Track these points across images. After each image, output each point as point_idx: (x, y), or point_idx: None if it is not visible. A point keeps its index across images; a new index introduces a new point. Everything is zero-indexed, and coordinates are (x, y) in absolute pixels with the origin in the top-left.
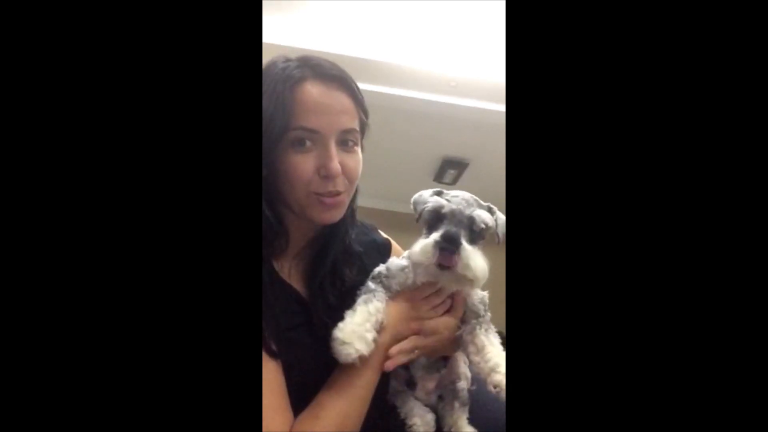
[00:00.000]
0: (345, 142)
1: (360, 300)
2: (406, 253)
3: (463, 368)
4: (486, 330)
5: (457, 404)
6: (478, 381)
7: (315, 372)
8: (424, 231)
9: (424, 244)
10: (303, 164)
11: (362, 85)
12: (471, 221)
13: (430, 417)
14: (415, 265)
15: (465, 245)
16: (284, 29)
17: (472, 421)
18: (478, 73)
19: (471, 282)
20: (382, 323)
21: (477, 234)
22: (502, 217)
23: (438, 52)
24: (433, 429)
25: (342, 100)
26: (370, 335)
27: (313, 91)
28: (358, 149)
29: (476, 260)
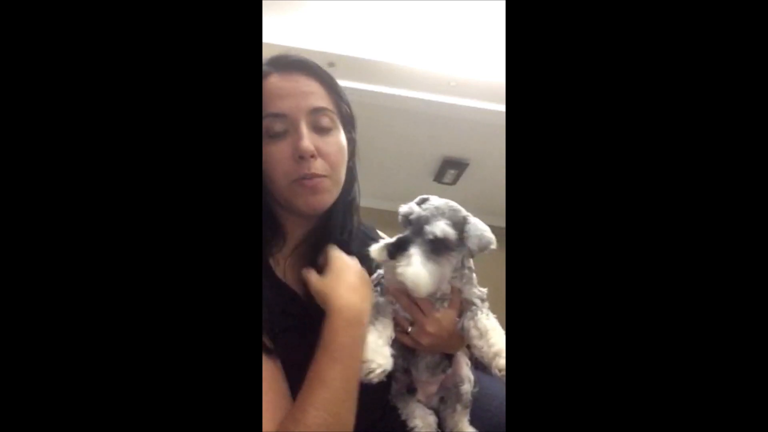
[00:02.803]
0: (320, 126)
1: (368, 318)
2: None
3: (466, 371)
4: (486, 315)
5: (459, 407)
6: (480, 382)
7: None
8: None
9: (379, 244)
10: (278, 152)
11: (362, 85)
12: (431, 232)
13: (431, 419)
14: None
15: (410, 252)
16: (284, 29)
17: (472, 421)
18: (478, 73)
19: (406, 284)
20: (392, 338)
21: (436, 244)
22: (476, 228)
23: (438, 52)
24: (435, 431)
25: (306, 82)
26: (388, 350)
27: (276, 80)
28: (338, 134)
29: (413, 269)
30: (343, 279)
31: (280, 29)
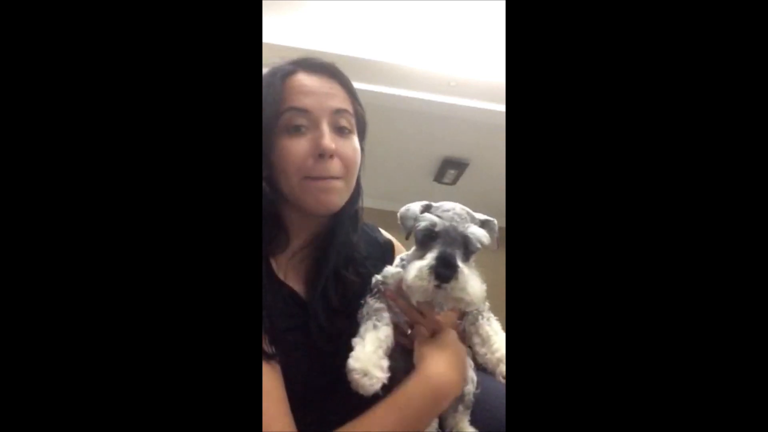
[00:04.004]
0: (340, 128)
1: (367, 325)
2: (397, 260)
3: (469, 372)
4: (488, 319)
5: (460, 407)
6: (482, 382)
7: (311, 375)
8: (417, 248)
9: (419, 268)
10: (296, 147)
11: (362, 85)
12: (466, 240)
13: None
14: (410, 287)
15: (462, 268)
16: (284, 29)
17: (473, 421)
18: (478, 73)
19: (465, 302)
20: (392, 347)
21: (469, 249)
22: (495, 224)
23: (438, 52)
24: (436, 430)
25: (331, 84)
26: (385, 363)
27: (302, 77)
28: (355, 138)
29: (473, 283)
30: (447, 352)
31: (280, 29)
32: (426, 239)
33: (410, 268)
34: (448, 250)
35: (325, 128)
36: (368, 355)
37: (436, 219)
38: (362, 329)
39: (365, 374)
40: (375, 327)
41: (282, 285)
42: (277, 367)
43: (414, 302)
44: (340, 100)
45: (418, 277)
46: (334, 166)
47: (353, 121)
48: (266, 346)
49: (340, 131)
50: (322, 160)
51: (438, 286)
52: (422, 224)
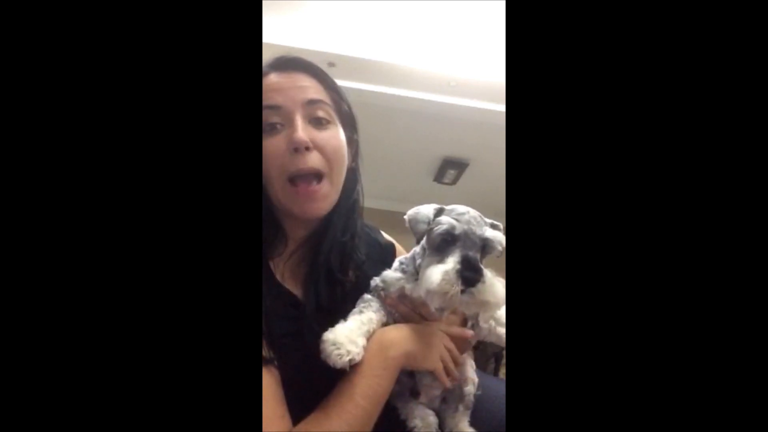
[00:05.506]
0: (317, 119)
1: (353, 311)
2: (396, 264)
3: (471, 373)
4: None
5: (461, 407)
6: (482, 383)
7: (310, 379)
8: (432, 253)
9: (445, 272)
10: (273, 146)
11: (362, 86)
12: (485, 243)
13: (432, 419)
14: (433, 293)
15: (485, 271)
16: (284, 29)
17: (472, 422)
18: (478, 73)
19: (491, 306)
20: (374, 333)
21: (486, 251)
22: (501, 226)
23: (438, 52)
24: (435, 430)
25: (302, 77)
26: (362, 341)
27: (272, 77)
28: (336, 128)
29: (499, 286)
30: (412, 330)
31: (280, 29)
32: (444, 243)
33: (432, 272)
34: (470, 253)
35: (299, 122)
36: (344, 330)
37: (454, 222)
38: (350, 314)
39: (335, 344)
40: (360, 312)
41: (280, 288)
42: (275, 371)
43: (433, 309)
44: (314, 92)
45: (446, 281)
46: (313, 159)
47: (332, 111)
48: (264, 351)
49: (317, 122)
50: (299, 155)
51: (463, 291)
52: (441, 228)
